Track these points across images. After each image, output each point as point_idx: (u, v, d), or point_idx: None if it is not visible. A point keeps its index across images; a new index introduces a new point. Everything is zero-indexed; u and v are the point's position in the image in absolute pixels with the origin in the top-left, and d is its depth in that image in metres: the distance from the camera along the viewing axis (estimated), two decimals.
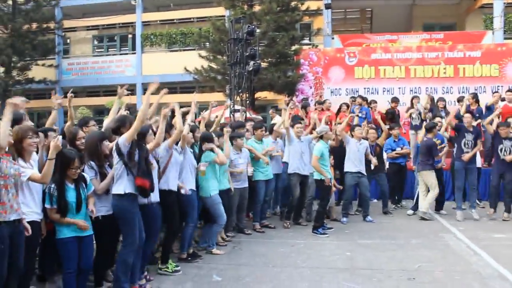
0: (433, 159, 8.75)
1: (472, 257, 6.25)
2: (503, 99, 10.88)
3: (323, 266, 5.87)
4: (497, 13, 17.23)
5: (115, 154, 4.58)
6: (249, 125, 8.56)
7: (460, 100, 11.44)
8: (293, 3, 14.76)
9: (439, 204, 9.26)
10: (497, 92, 11.90)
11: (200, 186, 6.29)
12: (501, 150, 8.60)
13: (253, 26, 11.99)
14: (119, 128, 4.74)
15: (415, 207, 9.10)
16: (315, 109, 11.84)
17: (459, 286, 5.13)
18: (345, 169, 8.56)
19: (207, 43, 15.23)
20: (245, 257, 6.30)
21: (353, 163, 8.46)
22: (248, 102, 12.71)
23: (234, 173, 7.19)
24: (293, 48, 14.61)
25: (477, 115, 10.38)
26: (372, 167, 8.91)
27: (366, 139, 9.02)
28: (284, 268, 5.77)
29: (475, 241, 6.98)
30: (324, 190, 7.67)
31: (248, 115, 11.48)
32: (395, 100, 12.07)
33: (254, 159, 7.83)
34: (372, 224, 8.31)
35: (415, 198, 9.32)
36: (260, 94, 14.94)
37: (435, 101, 11.47)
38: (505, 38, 17.45)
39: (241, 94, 12.09)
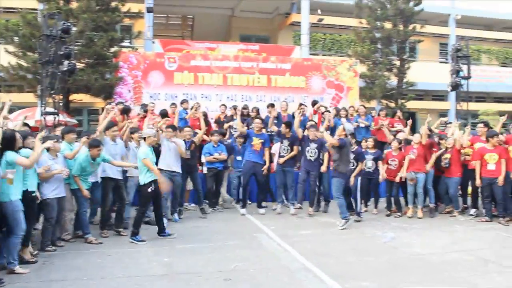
0: None
1: (282, 254, 6.77)
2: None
3: (141, 274, 5.77)
4: (304, 31, 18.98)
5: None
6: (58, 130, 8.10)
7: (271, 106, 12.34)
8: (113, 3, 14.20)
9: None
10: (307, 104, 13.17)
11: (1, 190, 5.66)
12: (308, 151, 9.69)
13: (69, 24, 11.22)
14: None
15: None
16: (138, 114, 11.68)
17: (271, 281, 5.52)
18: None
19: (16, 38, 13.87)
20: (58, 272, 5.84)
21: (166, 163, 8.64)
22: (61, 104, 11.88)
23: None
24: (112, 50, 14.06)
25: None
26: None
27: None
28: (101, 280, 5.52)
29: (284, 239, 7.57)
30: (144, 197, 7.56)
31: (62, 118, 10.75)
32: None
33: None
34: (191, 228, 8.45)
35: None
36: (75, 97, 14.07)
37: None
38: (310, 54, 19.32)
39: (54, 95, 11.24)
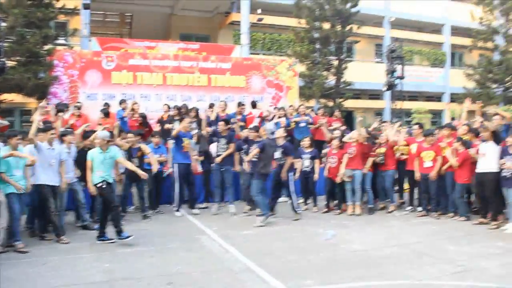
0: None
1: (224, 255, 6.75)
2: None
3: (80, 282, 5.55)
4: (244, 31, 19.04)
5: None
6: None
7: (211, 106, 12.37)
8: None
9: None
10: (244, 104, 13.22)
11: None
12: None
13: None
14: None
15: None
16: (72, 113, 11.31)
17: (214, 283, 5.48)
18: None
19: None
20: None
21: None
22: None
23: None
24: (46, 47, 13.47)
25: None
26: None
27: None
28: None
29: (227, 240, 7.56)
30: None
31: None
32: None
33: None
34: (132, 232, 8.10)
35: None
36: (6, 97, 13.38)
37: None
38: (250, 53, 19.42)
39: None
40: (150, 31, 22.74)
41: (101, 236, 7.45)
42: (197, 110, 12.07)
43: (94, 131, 8.70)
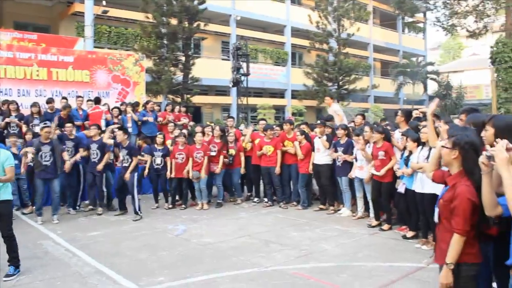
0: None
1: (71, 259, 6.43)
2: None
3: None
4: (88, 22, 18.12)
5: None
6: None
7: (49, 102, 11.68)
8: None
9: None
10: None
11: None
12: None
13: None
14: None
15: None
16: None
17: None
18: None
19: None
20: None
21: None
22: None
23: None
24: None
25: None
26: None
27: None
28: None
29: (73, 243, 7.23)
30: None
31: None
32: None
33: None
34: None
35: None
36: None
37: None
38: (95, 47, 18.56)
39: None
40: None
41: None
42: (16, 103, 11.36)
43: None
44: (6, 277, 5.57)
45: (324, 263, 6.10)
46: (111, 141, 9.63)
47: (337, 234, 7.67)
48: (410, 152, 7.15)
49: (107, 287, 5.31)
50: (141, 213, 9.22)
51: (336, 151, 9.09)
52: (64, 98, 12.34)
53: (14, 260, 5.75)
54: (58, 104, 11.96)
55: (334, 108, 12.06)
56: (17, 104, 11.30)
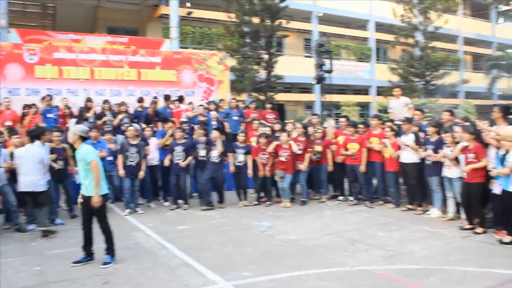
0: None
1: (161, 251, 6.65)
2: None
3: (9, 287, 5.28)
4: (174, 24, 18.75)
5: None
6: None
7: (140, 101, 12.25)
8: None
9: None
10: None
11: None
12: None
13: None
14: None
15: None
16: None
17: (152, 280, 5.39)
18: None
19: None
20: None
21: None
22: None
23: None
24: None
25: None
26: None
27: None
28: None
29: (162, 235, 7.47)
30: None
31: None
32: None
33: None
34: (61, 232, 7.90)
35: None
36: None
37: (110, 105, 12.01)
38: (180, 47, 19.17)
39: None
40: (75, 24, 21.89)
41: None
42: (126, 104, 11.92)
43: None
44: (103, 264, 5.94)
45: (412, 265, 5.82)
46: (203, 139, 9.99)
47: (426, 236, 7.30)
48: (507, 151, 6.65)
49: (194, 279, 5.42)
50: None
51: (425, 149, 8.67)
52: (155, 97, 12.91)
53: (110, 249, 6.13)
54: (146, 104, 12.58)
55: (405, 101, 11.20)
56: (110, 103, 11.92)
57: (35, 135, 8.04)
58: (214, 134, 10.00)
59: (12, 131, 9.11)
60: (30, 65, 13.00)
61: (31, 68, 13.02)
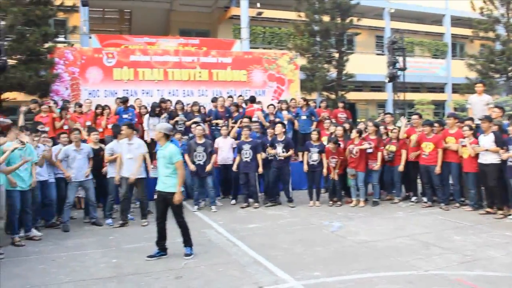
0: None
1: (232, 248, 6.74)
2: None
3: (88, 277, 5.54)
4: (244, 25, 18.97)
5: None
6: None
7: (214, 101, 12.45)
8: None
9: None
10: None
11: None
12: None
13: None
14: None
15: None
16: (74, 111, 11.32)
17: (222, 277, 5.47)
18: None
19: None
20: None
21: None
22: None
23: None
24: (46, 45, 13.43)
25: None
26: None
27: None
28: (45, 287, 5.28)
29: (233, 233, 7.57)
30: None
31: None
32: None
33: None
34: (136, 227, 8.23)
35: None
36: (8, 95, 13.36)
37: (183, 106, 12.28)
38: (251, 47, 19.36)
39: None
40: (150, 27, 22.71)
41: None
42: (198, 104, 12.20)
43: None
44: (186, 256, 6.25)
45: (492, 272, 5.49)
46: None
47: (508, 241, 6.87)
48: None
49: (265, 277, 5.44)
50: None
51: (507, 150, 8.19)
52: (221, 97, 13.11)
53: (188, 242, 6.40)
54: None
55: (488, 100, 10.43)
56: (182, 104, 12.24)
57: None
58: (279, 128, 9.97)
59: (91, 129, 9.61)
60: (108, 68, 13.68)
61: (110, 70, 13.68)
